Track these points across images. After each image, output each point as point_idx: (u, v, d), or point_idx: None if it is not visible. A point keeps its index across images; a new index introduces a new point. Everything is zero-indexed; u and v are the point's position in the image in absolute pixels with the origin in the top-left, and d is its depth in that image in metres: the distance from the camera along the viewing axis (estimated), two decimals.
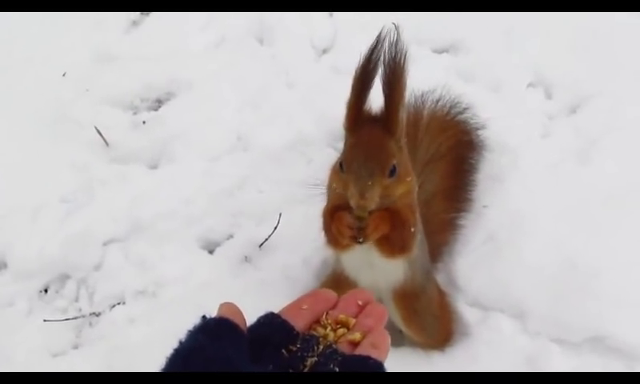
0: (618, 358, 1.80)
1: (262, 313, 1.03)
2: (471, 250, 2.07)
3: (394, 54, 1.44)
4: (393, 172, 1.46)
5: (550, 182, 2.18)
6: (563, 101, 2.47)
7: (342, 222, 1.52)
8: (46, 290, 2.19)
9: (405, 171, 1.53)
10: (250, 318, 1.00)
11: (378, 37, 1.46)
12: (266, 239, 2.16)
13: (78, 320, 2.10)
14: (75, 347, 2.05)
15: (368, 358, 0.97)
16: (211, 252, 2.21)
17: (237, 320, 1.01)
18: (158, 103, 2.68)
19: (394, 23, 1.46)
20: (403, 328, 1.84)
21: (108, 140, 2.49)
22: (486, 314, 1.95)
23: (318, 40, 2.83)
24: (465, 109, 2.18)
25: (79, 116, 2.59)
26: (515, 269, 1.97)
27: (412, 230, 1.59)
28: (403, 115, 1.50)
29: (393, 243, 1.59)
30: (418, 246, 1.67)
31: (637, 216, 2.05)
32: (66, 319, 2.09)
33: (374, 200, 1.43)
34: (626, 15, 2.60)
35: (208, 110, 2.59)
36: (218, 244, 2.22)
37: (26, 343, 2.03)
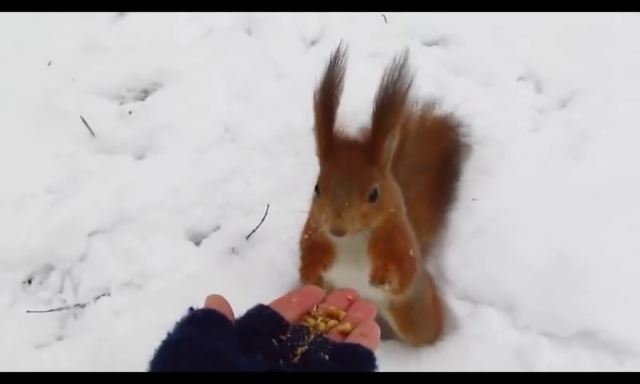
0: (608, 353, 1.79)
1: (249, 304, 1.03)
2: (461, 243, 2.05)
3: (396, 78, 1.31)
4: (374, 197, 1.34)
5: (540, 176, 2.17)
6: (553, 95, 2.47)
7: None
8: (29, 281, 2.16)
9: (389, 201, 1.41)
10: (238, 309, 1.00)
11: (337, 52, 1.35)
12: (254, 231, 2.14)
13: (63, 311, 2.07)
14: (59, 339, 2.02)
15: (358, 346, 0.98)
16: (198, 243, 2.19)
17: (224, 311, 1.01)
18: (145, 93, 2.67)
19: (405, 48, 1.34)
20: (399, 334, 1.81)
21: (94, 130, 2.47)
22: (475, 308, 1.94)
23: (306, 31, 2.81)
24: (456, 122, 2.17)
25: (65, 106, 2.57)
26: (505, 262, 1.96)
27: (411, 253, 1.51)
28: (393, 144, 1.38)
29: (394, 288, 1.48)
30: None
31: (627, 211, 2.04)
32: (50, 310, 2.06)
33: (351, 222, 1.30)
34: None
35: (195, 100, 2.57)
36: (204, 235, 2.20)
37: (9, 335, 2.00)
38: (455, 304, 1.95)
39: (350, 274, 1.51)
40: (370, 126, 1.35)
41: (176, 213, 2.23)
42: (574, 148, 2.24)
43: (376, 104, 1.33)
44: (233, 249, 2.15)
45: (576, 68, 2.51)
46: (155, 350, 0.92)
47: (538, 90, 2.51)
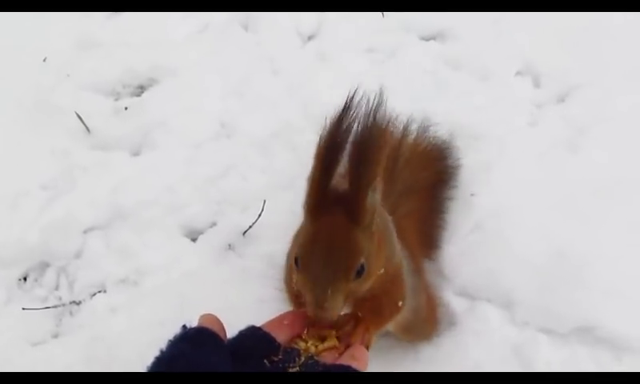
0: (606, 349, 1.78)
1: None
2: (458, 238, 2.04)
3: (370, 124, 1.14)
4: (360, 272, 1.17)
5: (538, 171, 2.16)
6: (552, 90, 2.45)
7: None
8: (25, 279, 2.14)
9: (376, 263, 1.23)
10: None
11: (351, 98, 1.16)
12: (250, 227, 2.12)
13: (58, 309, 2.05)
14: (55, 336, 2.01)
15: (348, 368, 1.00)
16: (194, 240, 2.18)
17: (216, 329, 1.02)
18: (141, 89, 2.64)
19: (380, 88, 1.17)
20: (395, 334, 1.78)
21: (89, 126, 2.45)
22: (473, 304, 1.92)
23: (303, 27, 2.80)
24: (447, 147, 2.13)
25: (60, 102, 2.55)
26: (503, 258, 1.95)
27: (400, 304, 1.42)
28: (376, 197, 1.18)
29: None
30: (406, 272, 1.49)
31: (626, 206, 2.03)
32: (46, 308, 2.05)
33: (335, 311, 1.14)
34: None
35: (191, 96, 2.56)
36: (201, 232, 2.19)
37: (4, 332, 2.00)
38: (453, 300, 1.94)
39: None
40: (349, 183, 1.16)
41: (172, 209, 2.21)
42: (572, 143, 2.23)
43: (350, 156, 1.14)
44: (229, 245, 2.13)
45: (574, 63, 2.50)
46: (148, 366, 0.93)
47: (536, 84, 2.49)
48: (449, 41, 2.67)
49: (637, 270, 1.89)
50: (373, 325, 1.33)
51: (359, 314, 1.31)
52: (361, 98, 1.15)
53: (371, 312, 1.33)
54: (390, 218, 1.40)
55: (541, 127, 2.33)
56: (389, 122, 1.18)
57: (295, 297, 1.35)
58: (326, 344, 1.15)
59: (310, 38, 2.79)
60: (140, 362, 0.95)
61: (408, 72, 2.54)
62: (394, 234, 1.40)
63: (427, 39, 2.70)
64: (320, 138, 1.16)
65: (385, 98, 1.15)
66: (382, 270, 1.26)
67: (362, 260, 1.16)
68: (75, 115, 2.45)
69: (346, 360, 1.06)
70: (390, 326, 1.57)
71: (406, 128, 2.05)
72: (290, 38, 2.77)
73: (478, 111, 2.34)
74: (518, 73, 2.53)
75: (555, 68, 2.50)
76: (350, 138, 1.14)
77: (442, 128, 2.13)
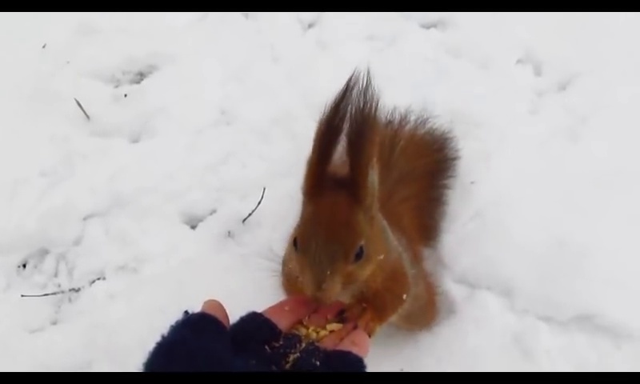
0: (606, 337, 1.78)
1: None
2: (458, 226, 2.04)
3: (362, 105, 1.16)
4: (359, 255, 1.17)
5: (539, 160, 2.16)
6: (552, 78, 2.45)
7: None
8: (24, 265, 2.14)
9: (375, 248, 1.24)
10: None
11: (348, 82, 1.19)
12: (250, 214, 2.12)
13: (57, 296, 2.06)
14: (54, 323, 2.01)
15: (349, 353, 1.01)
16: (194, 227, 2.17)
17: (219, 316, 1.02)
18: (140, 76, 2.64)
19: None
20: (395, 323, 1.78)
21: (89, 113, 2.45)
22: (472, 292, 1.92)
23: (303, 14, 2.79)
24: (443, 135, 2.12)
25: (59, 89, 2.55)
26: (503, 246, 1.95)
27: (404, 297, 1.42)
28: (374, 178, 1.21)
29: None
30: (406, 263, 1.49)
31: (626, 195, 2.03)
32: (45, 295, 2.05)
33: (333, 292, 1.14)
34: None
35: (191, 83, 2.55)
36: (200, 219, 2.19)
37: (3, 319, 2.00)
38: (452, 288, 1.94)
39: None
40: (349, 164, 1.18)
41: (171, 196, 2.21)
42: (573, 131, 2.22)
43: (348, 139, 1.17)
44: (229, 232, 2.13)
45: (575, 51, 2.49)
46: (149, 351, 0.92)
47: (537, 72, 2.49)
48: (449, 29, 2.67)
49: (636, 259, 1.89)
50: (377, 319, 1.33)
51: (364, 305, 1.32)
52: (356, 82, 1.18)
53: (375, 308, 1.33)
54: (386, 224, 1.38)
55: (541, 115, 2.32)
56: (379, 102, 1.17)
57: (293, 287, 1.35)
58: (329, 327, 1.15)
59: (310, 25, 2.78)
60: (139, 348, 0.95)
61: (408, 60, 2.54)
62: (389, 233, 1.39)
63: (428, 27, 2.69)
64: (319, 123, 1.18)
65: (373, 78, 1.17)
66: (382, 256, 1.26)
67: (362, 242, 1.17)
68: (75, 102, 2.44)
69: (346, 346, 1.06)
70: (392, 318, 1.57)
71: (403, 117, 2.06)
72: (291, 26, 2.76)
73: (479, 99, 2.33)
74: (519, 61, 2.52)
75: (556, 56, 2.49)
76: (347, 121, 1.17)
77: (440, 117, 2.13)
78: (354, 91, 1.18)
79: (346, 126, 1.18)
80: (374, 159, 1.19)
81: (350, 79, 1.19)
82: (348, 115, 1.17)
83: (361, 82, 1.18)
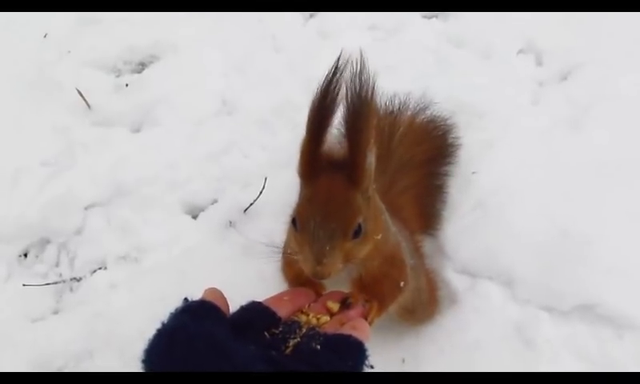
0: (608, 326, 1.78)
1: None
2: (460, 216, 2.04)
3: (357, 88, 1.15)
4: (358, 232, 1.18)
5: (541, 149, 2.15)
6: (554, 68, 2.44)
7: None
8: (25, 255, 2.15)
9: (373, 227, 1.25)
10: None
11: (337, 63, 1.18)
12: (251, 204, 2.12)
13: (59, 285, 2.06)
14: (55, 312, 2.01)
15: (349, 336, 1.01)
16: (195, 217, 2.18)
17: (220, 304, 1.03)
18: (142, 66, 2.64)
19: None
20: (396, 318, 1.77)
21: (90, 103, 2.45)
22: (474, 282, 1.92)
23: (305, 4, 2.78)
24: (443, 123, 2.11)
25: (61, 78, 2.55)
26: (504, 236, 1.94)
27: (401, 285, 1.42)
28: (371, 160, 1.20)
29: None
30: (406, 254, 1.49)
31: (628, 184, 2.02)
32: (46, 284, 2.05)
33: (333, 266, 1.15)
34: None
35: (193, 73, 2.55)
36: (201, 209, 2.19)
37: (4, 308, 2.00)
38: (454, 278, 1.94)
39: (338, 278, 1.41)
40: (347, 147, 1.18)
41: (173, 186, 2.21)
42: (574, 121, 2.22)
43: (345, 122, 1.17)
44: (230, 222, 2.13)
45: (577, 41, 2.48)
46: (150, 338, 0.93)
47: (539, 62, 2.48)
48: (451, 18, 2.66)
49: (638, 249, 1.89)
50: (377, 308, 1.34)
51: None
52: (346, 63, 1.17)
53: (373, 296, 1.34)
54: (383, 207, 1.39)
55: (543, 105, 2.32)
56: (375, 84, 1.16)
57: (292, 271, 1.36)
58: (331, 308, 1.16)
59: (311, 15, 2.77)
60: (140, 338, 0.95)
61: (410, 50, 2.53)
62: (388, 219, 1.39)
63: (429, 17, 2.69)
64: (311, 103, 1.19)
65: (367, 60, 1.16)
66: (379, 236, 1.26)
67: (360, 219, 1.17)
68: (76, 92, 2.44)
69: (346, 330, 1.06)
70: (392, 309, 1.56)
71: (402, 105, 2.06)
72: (292, 16, 2.76)
73: (480, 89, 2.33)
74: (521, 51, 2.52)
75: (557, 46, 2.48)
76: (340, 102, 1.16)
77: (440, 106, 2.12)
78: (348, 74, 1.16)
79: (339, 107, 1.17)
80: (372, 141, 1.19)
81: (338, 59, 1.18)
82: (344, 97, 1.16)
83: (354, 65, 1.16)
